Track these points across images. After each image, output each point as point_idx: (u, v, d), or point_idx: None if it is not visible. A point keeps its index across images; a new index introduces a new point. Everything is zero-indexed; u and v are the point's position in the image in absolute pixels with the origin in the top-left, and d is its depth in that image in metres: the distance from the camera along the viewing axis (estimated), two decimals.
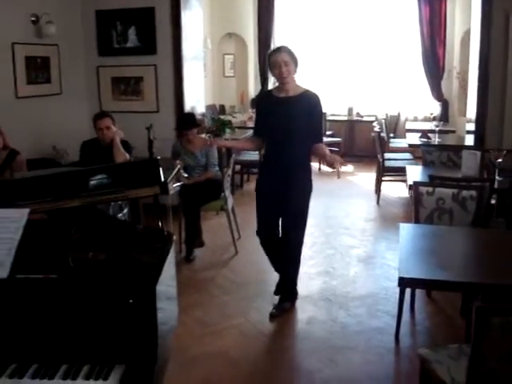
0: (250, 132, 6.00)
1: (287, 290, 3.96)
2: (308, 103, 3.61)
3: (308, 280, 4.40)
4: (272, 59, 3.56)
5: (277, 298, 3.96)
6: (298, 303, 4.00)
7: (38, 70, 6.12)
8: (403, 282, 2.67)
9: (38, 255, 1.94)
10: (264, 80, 9.95)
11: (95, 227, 2.29)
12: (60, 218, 2.06)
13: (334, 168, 3.31)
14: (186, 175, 4.99)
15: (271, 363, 3.24)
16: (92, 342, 1.79)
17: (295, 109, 3.58)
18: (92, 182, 2.42)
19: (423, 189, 3.76)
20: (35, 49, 6.07)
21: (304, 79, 8.40)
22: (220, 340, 3.51)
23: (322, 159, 3.86)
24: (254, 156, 7.38)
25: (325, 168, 8.01)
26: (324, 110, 9.86)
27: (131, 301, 1.79)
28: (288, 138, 3.59)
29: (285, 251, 3.82)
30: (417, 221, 3.73)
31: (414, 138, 7.11)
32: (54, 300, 1.84)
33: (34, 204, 2.18)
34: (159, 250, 2.13)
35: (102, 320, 1.80)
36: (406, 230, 3.30)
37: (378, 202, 6.85)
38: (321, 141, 3.71)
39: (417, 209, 3.76)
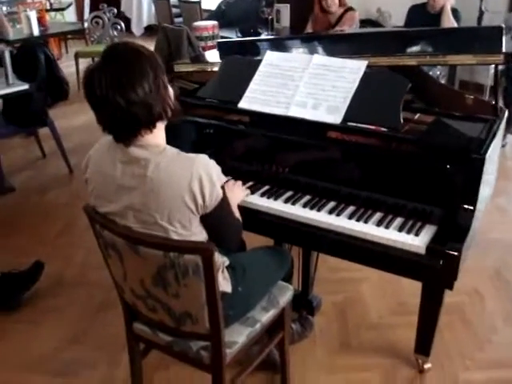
0: None
1: None
2: None
3: None
4: None
5: None
6: None
7: None
8: None
9: (372, 107, 2.01)
10: None
11: (426, 90, 2.27)
12: (396, 75, 2.07)
13: None
14: None
15: None
16: (408, 196, 1.86)
17: None
18: (424, 43, 2.39)
19: None
20: None
21: None
22: None
23: None
24: None
25: None
26: None
27: (448, 166, 1.78)
28: None
29: None
30: None
31: None
32: (379, 152, 1.93)
33: (370, 57, 2.24)
34: (488, 122, 2.01)
35: (421, 178, 1.83)
36: None
37: None
38: None
39: None
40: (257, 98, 2.21)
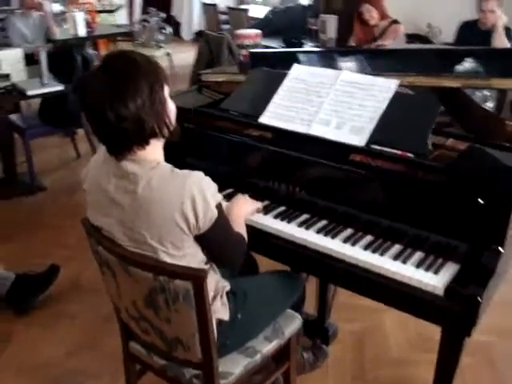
0: None
1: None
2: None
3: None
4: None
5: None
6: None
7: None
8: None
9: (399, 129, 1.87)
10: None
11: (461, 113, 2.11)
12: (428, 96, 1.93)
13: None
14: None
15: None
16: (431, 228, 1.70)
17: None
18: (467, 64, 2.23)
19: None
20: None
21: None
22: None
23: None
24: None
25: None
26: None
27: (482, 202, 1.62)
28: None
29: None
30: None
31: None
32: (404, 179, 1.78)
33: (405, 76, 2.11)
34: None
35: (446, 210, 1.68)
36: None
37: None
38: None
39: None
40: (279, 113, 2.11)
